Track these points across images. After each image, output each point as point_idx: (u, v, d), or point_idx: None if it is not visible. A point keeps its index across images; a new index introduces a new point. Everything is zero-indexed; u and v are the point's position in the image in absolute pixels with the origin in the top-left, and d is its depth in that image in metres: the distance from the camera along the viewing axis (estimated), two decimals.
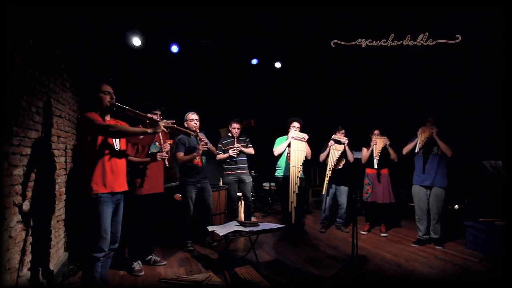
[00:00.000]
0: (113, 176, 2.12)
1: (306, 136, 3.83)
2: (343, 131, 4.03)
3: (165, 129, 2.15)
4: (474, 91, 4.22)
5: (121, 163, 2.23)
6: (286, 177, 3.89)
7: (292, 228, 3.83)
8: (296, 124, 3.92)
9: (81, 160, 2.12)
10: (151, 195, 2.83)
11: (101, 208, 2.03)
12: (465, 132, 4.20)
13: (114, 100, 2.17)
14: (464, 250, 3.31)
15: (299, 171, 3.75)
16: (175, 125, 2.22)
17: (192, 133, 2.60)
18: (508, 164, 2.79)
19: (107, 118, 2.20)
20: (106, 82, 2.20)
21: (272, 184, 5.74)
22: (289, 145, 3.87)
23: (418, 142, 3.40)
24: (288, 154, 3.89)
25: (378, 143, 3.82)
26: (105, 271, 2.25)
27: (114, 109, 2.16)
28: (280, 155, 3.98)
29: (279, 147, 3.96)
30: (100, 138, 2.08)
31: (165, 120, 2.18)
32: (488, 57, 3.74)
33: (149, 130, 2.10)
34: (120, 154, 2.23)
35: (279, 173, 4.03)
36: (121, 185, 2.20)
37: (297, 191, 3.74)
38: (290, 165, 3.81)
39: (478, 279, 2.65)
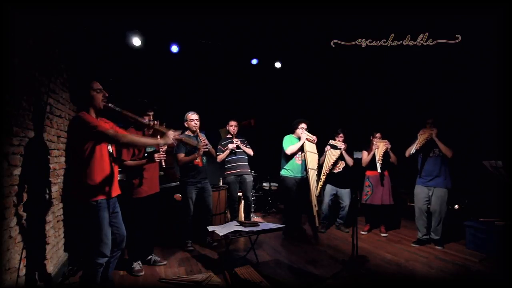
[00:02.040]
0: (109, 182, 2.04)
1: (316, 139, 3.88)
2: (341, 135, 4.03)
3: (173, 141, 2.08)
4: (474, 91, 4.22)
5: (115, 168, 2.15)
6: (293, 178, 3.87)
7: (292, 228, 3.84)
8: (304, 125, 3.91)
9: (76, 165, 1.98)
10: (150, 196, 2.83)
11: (100, 214, 1.96)
12: (465, 132, 4.20)
13: (107, 96, 2.04)
14: (464, 250, 3.31)
15: (316, 174, 3.78)
16: (183, 139, 2.17)
17: (199, 148, 2.55)
18: (508, 164, 2.79)
19: (98, 118, 2.07)
20: (96, 79, 2.07)
21: (272, 184, 5.73)
22: (301, 147, 3.86)
23: (416, 143, 3.41)
24: (303, 154, 3.88)
25: (380, 146, 3.83)
26: (111, 270, 2.23)
27: (108, 110, 2.05)
28: (291, 154, 3.88)
29: (292, 146, 3.87)
30: (99, 144, 1.97)
31: (171, 131, 2.12)
32: (488, 57, 3.74)
33: (161, 142, 2.05)
34: (114, 157, 2.15)
35: (286, 173, 3.93)
36: (116, 190, 2.13)
37: (317, 194, 3.77)
38: (308, 167, 3.81)
39: (478, 279, 2.66)
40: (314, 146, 3.90)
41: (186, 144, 2.23)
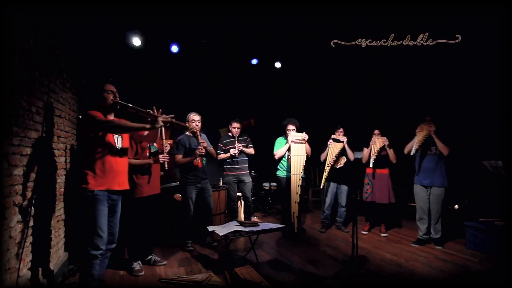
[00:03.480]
0: (112, 174, 2.11)
1: (306, 137, 3.82)
2: (341, 130, 4.04)
3: (163, 124, 2.16)
4: (474, 91, 4.22)
5: (122, 162, 2.22)
6: (287, 177, 3.90)
7: (292, 228, 3.84)
8: (291, 127, 3.91)
9: (81, 158, 2.14)
10: (151, 196, 2.83)
11: (96, 206, 2.03)
12: (465, 132, 4.20)
13: (117, 98, 2.18)
14: (464, 250, 3.31)
15: (299, 179, 3.75)
16: (174, 120, 2.22)
17: (190, 128, 2.56)
18: (508, 164, 2.79)
19: (110, 117, 2.22)
20: (109, 82, 2.21)
21: (272, 184, 5.73)
22: (289, 149, 3.87)
23: (415, 142, 3.39)
24: (289, 156, 3.89)
25: (377, 142, 3.83)
26: (102, 270, 2.24)
27: (118, 107, 2.18)
28: (280, 157, 4.01)
29: (279, 150, 3.97)
30: (101, 136, 2.09)
31: (163, 115, 2.19)
32: (488, 57, 3.74)
33: (147, 126, 2.12)
34: (122, 152, 2.22)
35: (280, 173, 4.06)
36: (121, 184, 2.18)
37: (298, 201, 3.75)
38: (291, 173, 3.82)
39: (478, 279, 2.65)
40: (302, 147, 3.82)
41: (177, 125, 2.26)
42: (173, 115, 2.22)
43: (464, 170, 4.07)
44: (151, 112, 2.23)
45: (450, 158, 3.33)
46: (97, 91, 2.17)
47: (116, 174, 2.14)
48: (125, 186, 2.24)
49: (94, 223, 2.03)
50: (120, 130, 2.17)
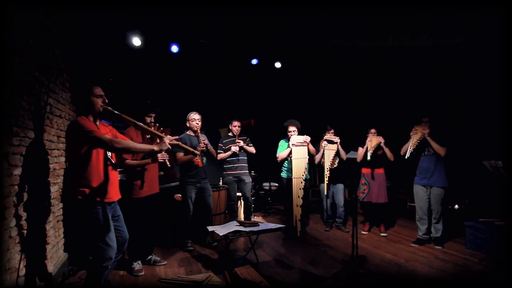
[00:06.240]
0: (108, 186, 2.03)
1: (307, 139, 3.81)
2: (332, 131, 4.03)
3: (169, 146, 2.07)
4: (474, 91, 4.22)
5: (114, 173, 2.13)
6: (289, 179, 3.90)
7: (293, 228, 3.84)
8: (292, 128, 3.90)
9: (74, 169, 1.97)
10: (149, 196, 2.83)
11: (102, 220, 1.95)
12: (465, 132, 4.20)
13: (106, 103, 2.05)
14: (464, 250, 3.31)
15: (301, 182, 3.75)
16: (180, 144, 2.16)
17: (198, 153, 2.45)
18: (508, 164, 2.79)
19: (97, 122, 2.08)
20: (98, 84, 2.07)
21: (272, 184, 5.74)
22: (291, 152, 3.87)
23: (410, 145, 3.40)
24: (291, 159, 3.88)
25: (373, 140, 3.84)
26: (109, 272, 2.21)
27: (106, 113, 2.05)
28: (282, 160, 4.00)
29: (282, 153, 3.96)
30: (94, 148, 1.95)
31: (169, 136, 2.11)
32: (488, 57, 3.74)
33: (155, 148, 2.03)
34: (114, 163, 2.14)
35: (283, 174, 4.06)
36: (116, 194, 2.12)
37: (301, 204, 3.73)
38: (292, 176, 3.80)
39: (478, 279, 2.65)
40: (304, 149, 3.79)
41: (183, 149, 2.20)
42: (177, 137, 2.13)
43: (464, 170, 4.07)
44: (153, 129, 2.11)
45: (450, 158, 3.34)
46: (85, 94, 2.00)
47: (113, 185, 2.06)
48: (119, 195, 2.17)
49: (103, 236, 1.93)
50: (125, 151, 2.02)
